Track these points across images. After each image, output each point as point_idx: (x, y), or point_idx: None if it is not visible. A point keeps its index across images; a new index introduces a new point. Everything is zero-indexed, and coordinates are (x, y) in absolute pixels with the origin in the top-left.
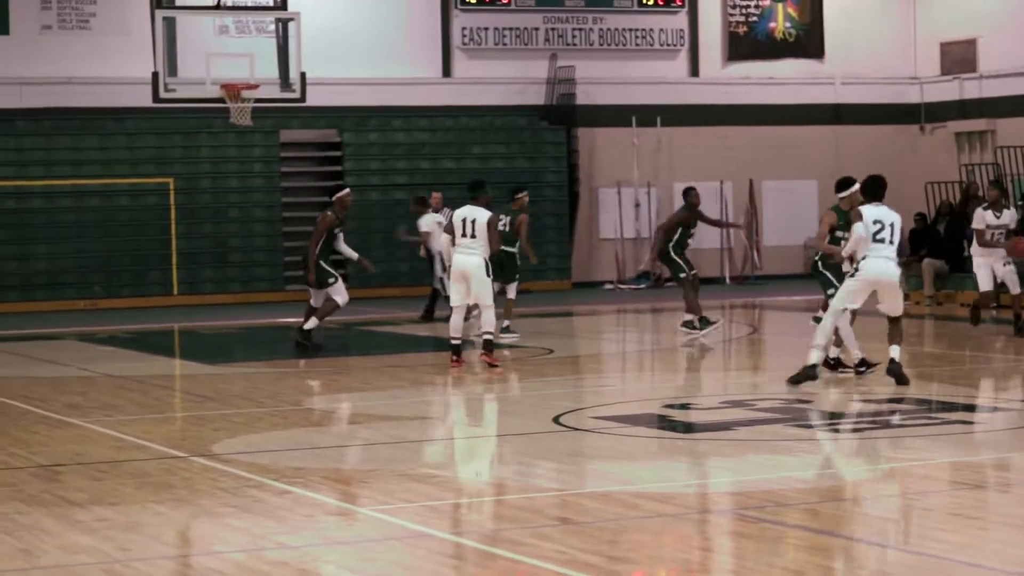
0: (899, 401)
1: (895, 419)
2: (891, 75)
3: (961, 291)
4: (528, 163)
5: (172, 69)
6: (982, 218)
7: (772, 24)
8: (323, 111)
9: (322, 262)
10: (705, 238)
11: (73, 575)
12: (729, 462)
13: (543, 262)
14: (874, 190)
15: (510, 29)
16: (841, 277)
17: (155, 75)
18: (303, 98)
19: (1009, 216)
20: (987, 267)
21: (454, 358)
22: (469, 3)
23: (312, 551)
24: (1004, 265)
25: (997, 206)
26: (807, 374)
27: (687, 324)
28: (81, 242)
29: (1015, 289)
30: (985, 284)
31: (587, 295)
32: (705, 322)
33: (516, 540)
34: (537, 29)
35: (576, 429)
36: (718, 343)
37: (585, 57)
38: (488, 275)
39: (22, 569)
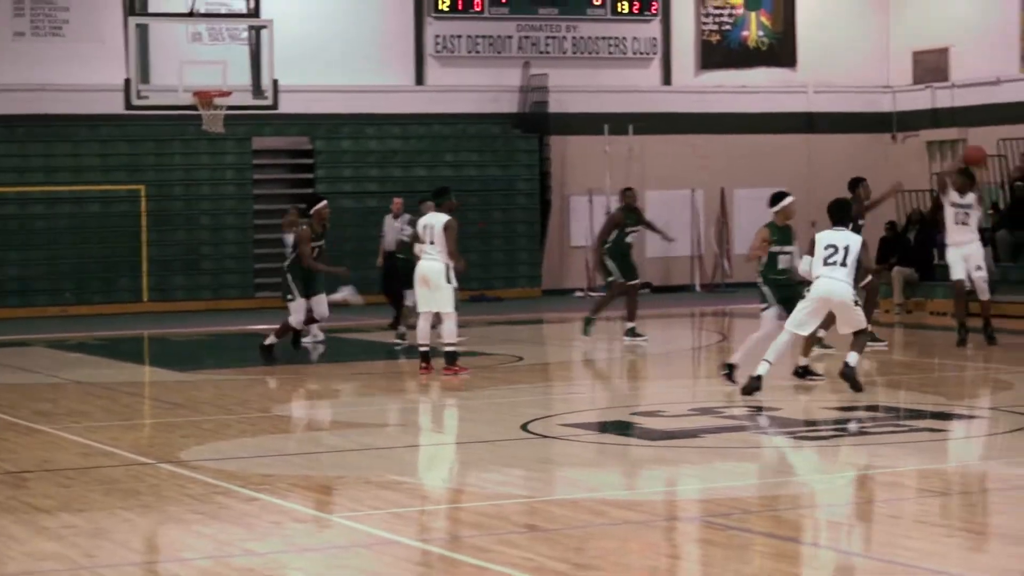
0: (868, 409)
1: (863, 427)
2: (864, 84)
3: (931, 299)
4: (500, 171)
5: (145, 76)
6: (949, 198)
7: (745, 33)
8: (296, 119)
9: (290, 276)
10: (677, 246)
11: None
12: (696, 469)
13: (514, 269)
14: (835, 214)
15: (483, 37)
16: (781, 295)
17: (128, 82)
18: (276, 105)
19: (973, 198)
20: (961, 260)
21: (423, 365)
22: (442, 11)
23: (279, 558)
24: (977, 270)
25: (963, 191)
26: (753, 385)
27: (631, 332)
28: (53, 249)
29: (984, 296)
30: (958, 272)
31: (557, 302)
32: (633, 333)
33: (483, 547)
34: (510, 37)
35: (544, 436)
36: (687, 351)
37: (558, 65)
38: (449, 281)
39: None
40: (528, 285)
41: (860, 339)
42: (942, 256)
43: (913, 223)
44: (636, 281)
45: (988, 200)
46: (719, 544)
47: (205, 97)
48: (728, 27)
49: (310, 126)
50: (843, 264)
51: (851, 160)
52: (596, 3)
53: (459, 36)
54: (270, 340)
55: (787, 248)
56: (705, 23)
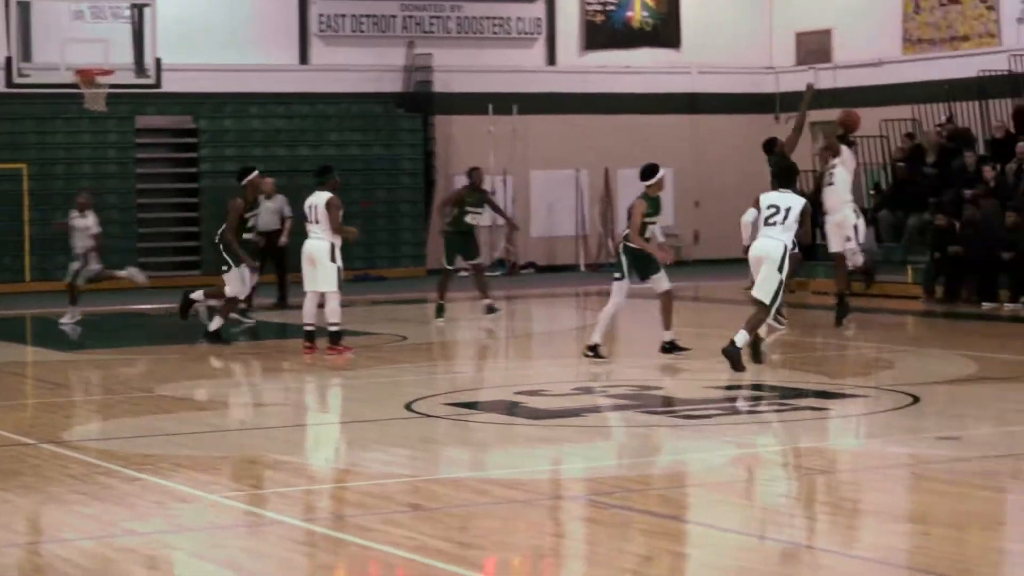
0: (751, 388)
1: (745, 406)
2: (747, 65)
3: (813, 279)
4: (384, 150)
5: (26, 54)
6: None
7: (629, 13)
8: (179, 97)
9: (222, 247)
10: (561, 225)
11: None
12: (579, 448)
13: (398, 249)
14: (779, 177)
15: (367, 16)
16: (638, 265)
17: (9, 60)
18: (158, 84)
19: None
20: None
21: (307, 344)
22: None
23: (161, 538)
24: (846, 241)
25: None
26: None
27: (490, 309)
28: None
29: (852, 265)
30: (835, 245)
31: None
32: (441, 310)
33: (366, 526)
34: (394, 17)
35: (428, 416)
36: (571, 330)
37: (442, 45)
38: (333, 260)
39: None
40: (412, 264)
41: (757, 316)
42: (824, 236)
43: None
44: (477, 261)
45: (871, 181)
46: (602, 523)
47: (87, 75)
48: (612, 8)
49: (193, 105)
50: (783, 223)
51: (735, 140)
52: None
53: (343, 15)
54: (215, 324)
55: (655, 219)
56: (589, 3)
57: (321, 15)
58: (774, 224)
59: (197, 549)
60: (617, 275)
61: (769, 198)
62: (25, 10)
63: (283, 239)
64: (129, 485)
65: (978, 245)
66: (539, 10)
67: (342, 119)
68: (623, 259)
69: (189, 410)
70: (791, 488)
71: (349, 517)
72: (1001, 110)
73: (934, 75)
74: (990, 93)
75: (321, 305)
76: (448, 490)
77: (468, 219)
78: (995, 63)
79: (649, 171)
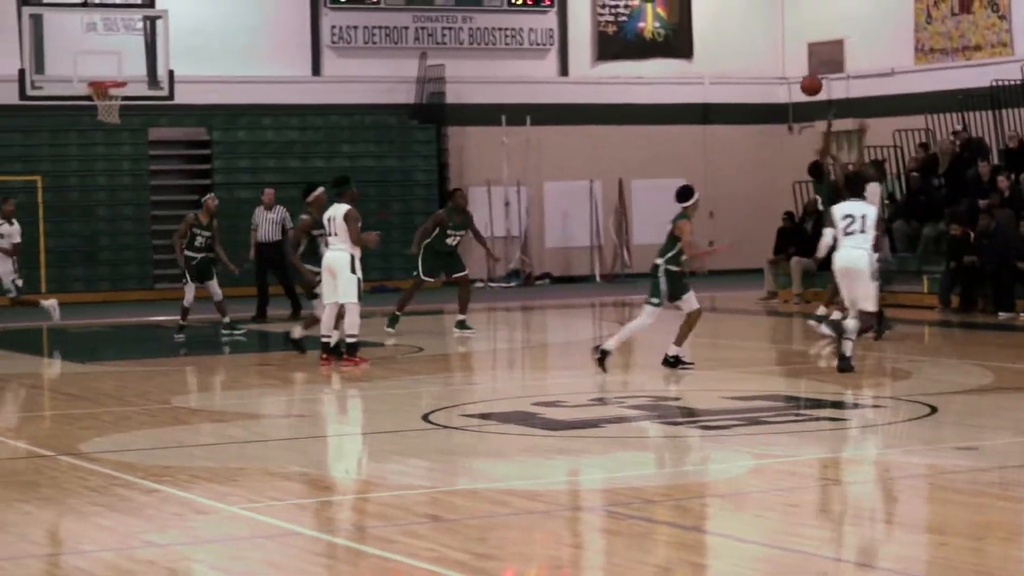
0: (768, 398)
1: (763, 416)
2: (759, 75)
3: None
4: (398, 162)
5: (39, 66)
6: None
7: (641, 24)
8: (192, 109)
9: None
10: (576, 236)
11: None
12: (598, 459)
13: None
14: (851, 186)
15: (380, 28)
16: (673, 287)
17: (22, 72)
18: (171, 96)
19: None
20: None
21: (323, 356)
22: (339, 2)
23: (180, 550)
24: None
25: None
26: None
27: (460, 324)
28: None
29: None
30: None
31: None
32: (395, 320)
33: (386, 538)
34: (407, 28)
35: (446, 427)
36: (587, 341)
37: (455, 56)
38: (353, 271)
39: None
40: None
41: (866, 319)
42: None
43: (810, 214)
44: (463, 274)
45: (885, 191)
46: (621, 534)
47: (100, 87)
48: (624, 18)
49: (207, 117)
50: (862, 232)
51: (747, 151)
52: None
53: (356, 27)
54: (299, 333)
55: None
56: (601, 14)
57: (333, 27)
58: (852, 233)
59: (216, 561)
60: (655, 300)
61: (843, 209)
62: (38, 23)
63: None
64: (147, 497)
65: (993, 255)
66: (551, 21)
67: (355, 130)
68: (662, 284)
69: (207, 422)
70: (809, 499)
71: (368, 529)
72: (1015, 120)
73: (947, 85)
74: (1003, 103)
75: (341, 316)
76: (467, 501)
77: (449, 241)
78: (1008, 73)
79: (687, 192)
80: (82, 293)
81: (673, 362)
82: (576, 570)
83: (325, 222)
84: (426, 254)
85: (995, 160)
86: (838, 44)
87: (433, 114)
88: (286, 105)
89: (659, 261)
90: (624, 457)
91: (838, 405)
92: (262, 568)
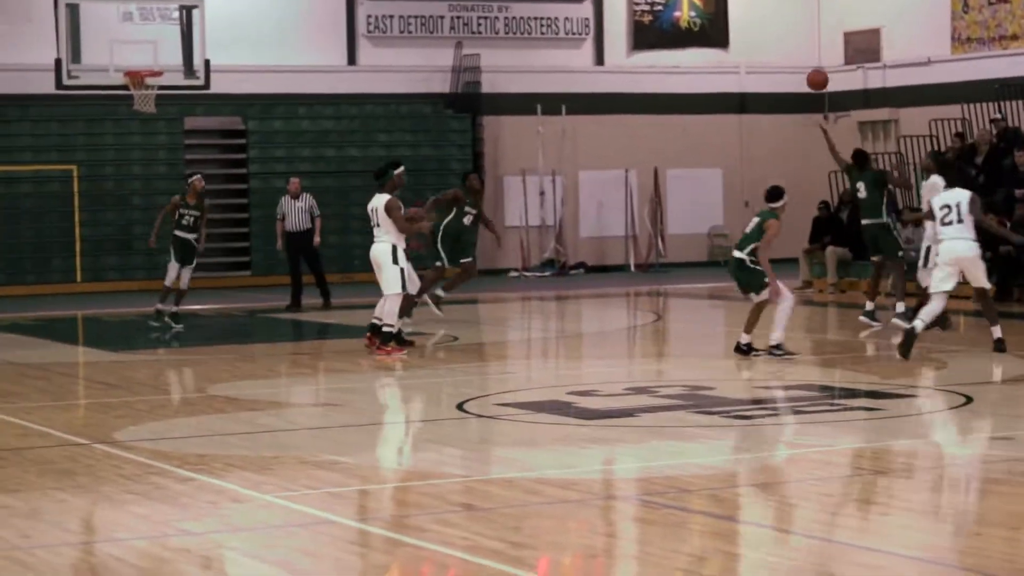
0: (802, 388)
1: (798, 405)
2: (795, 64)
3: (864, 278)
4: (433, 151)
5: (76, 56)
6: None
7: (677, 13)
8: (228, 98)
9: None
10: (611, 225)
11: None
12: (632, 448)
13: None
14: (946, 174)
15: (415, 17)
16: (752, 280)
17: (58, 62)
18: (207, 85)
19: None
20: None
21: (369, 335)
22: None
23: (215, 538)
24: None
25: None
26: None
27: (436, 298)
28: None
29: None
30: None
31: (492, 282)
32: (437, 301)
33: (420, 526)
34: (442, 17)
35: (480, 416)
36: (622, 330)
37: (490, 45)
38: (395, 262)
39: None
40: None
41: (988, 304)
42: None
43: (845, 203)
44: (468, 260)
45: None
46: (656, 523)
47: (136, 77)
48: (660, 8)
49: (242, 106)
50: (959, 221)
51: (783, 140)
52: None
53: (391, 16)
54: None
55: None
56: (637, 4)
57: (369, 16)
58: (951, 223)
59: (251, 549)
60: (757, 288)
61: (940, 200)
62: (74, 12)
63: (316, 239)
64: (182, 485)
65: None
66: (587, 10)
67: (391, 120)
68: (755, 270)
69: (241, 410)
70: (843, 488)
71: (402, 517)
72: None
73: (983, 74)
74: None
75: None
76: (501, 490)
77: (465, 220)
78: None
79: (777, 193)
80: (117, 282)
81: (747, 349)
82: (610, 559)
83: (369, 212)
84: (444, 240)
85: None
86: (874, 33)
87: (469, 103)
88: (322, 95)
89: (741, 254)
90: (658, 446)
91: (872, 395)
92: (296, 556)
